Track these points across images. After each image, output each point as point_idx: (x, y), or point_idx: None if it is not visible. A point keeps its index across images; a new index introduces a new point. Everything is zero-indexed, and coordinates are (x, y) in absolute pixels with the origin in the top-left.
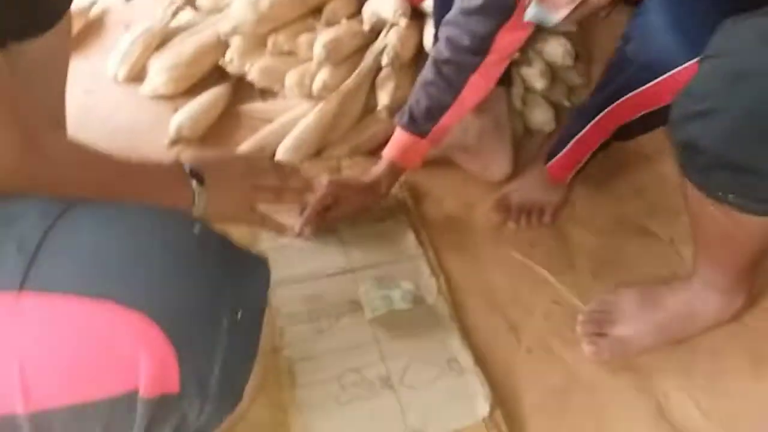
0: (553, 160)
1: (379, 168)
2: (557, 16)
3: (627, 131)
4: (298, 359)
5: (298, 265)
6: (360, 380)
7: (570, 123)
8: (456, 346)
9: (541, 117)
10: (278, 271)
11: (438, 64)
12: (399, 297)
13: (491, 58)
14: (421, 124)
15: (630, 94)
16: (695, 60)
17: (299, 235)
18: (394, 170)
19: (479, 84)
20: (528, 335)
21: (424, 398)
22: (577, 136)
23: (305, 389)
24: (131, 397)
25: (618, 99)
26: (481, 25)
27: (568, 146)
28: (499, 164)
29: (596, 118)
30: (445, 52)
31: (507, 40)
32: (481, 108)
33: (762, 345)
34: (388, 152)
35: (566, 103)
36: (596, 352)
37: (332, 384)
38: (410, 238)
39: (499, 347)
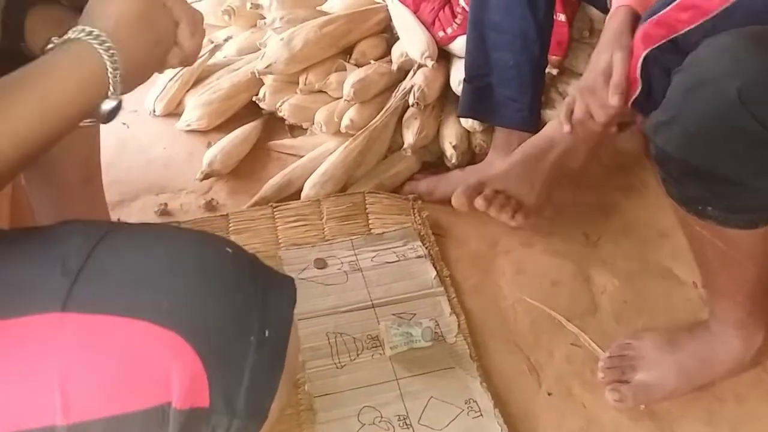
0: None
1: (612, 21)
2: None
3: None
4: (318, 395)
5: (319, 299)
6: (379, 418)
7: None
8: (475, 386)
9: None
10: (300, 304)
11: None
12: (419, 334)
13: None
14: None
15: None
16: None
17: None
18: (635, 14)
19: None
20: (548, 378)
21: None
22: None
23: (325, 425)
24: (164, 409)
25: None
26: None
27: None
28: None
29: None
30: None
31: None
32: (504, 151)
33: None
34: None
35: None
36: (619, 399)
37: (352, 421)
38: (431, 275)
39: (518, 389)
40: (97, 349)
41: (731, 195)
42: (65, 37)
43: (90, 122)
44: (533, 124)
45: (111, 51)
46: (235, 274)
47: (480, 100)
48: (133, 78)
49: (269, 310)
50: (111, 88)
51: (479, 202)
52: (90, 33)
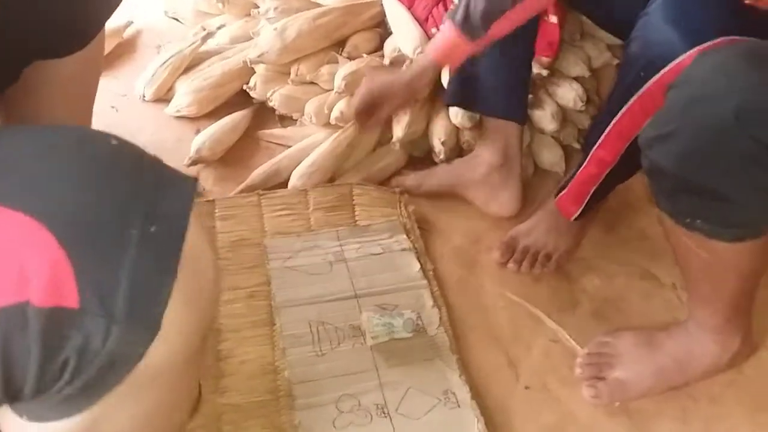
0: (562, 192)
1: (421, 63)
2: None
3: (632, 158)
4: (297, 381)
5: (303, 287)
6: (357, 406)
7: (581, 153)
8: (454, 378)
9: (549, 157)
10: (284, 292)
11: None
12: (400, 325)
13: None
14: (475, 27)
15: (635, 97)
16: (694, 50)
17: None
18: (436, 67)
19: None
20: (526, 372)
21: (419, 429)
22: (584, 163)
23: (303, 412)
24: (23, 308)
25: (624, 105)
26: None
27: (575, 176)
28: (506, 200)
29: (603, 135)
30: None
31: None
32: (491, 143)
33: (760, 393)
34: (434, 48)
35: (576, 145)
36: (595, 395)
37: (330, 408)
38: (415, 268)
39: (496, 382)
40: None
41: (722, 210)
42: None
43: None
44: (520, 113)
45: None
46: (115, 164)
47: (467, 89)
48: None
49: (158, 206)
50: None
51: (511, 268)
52: None
